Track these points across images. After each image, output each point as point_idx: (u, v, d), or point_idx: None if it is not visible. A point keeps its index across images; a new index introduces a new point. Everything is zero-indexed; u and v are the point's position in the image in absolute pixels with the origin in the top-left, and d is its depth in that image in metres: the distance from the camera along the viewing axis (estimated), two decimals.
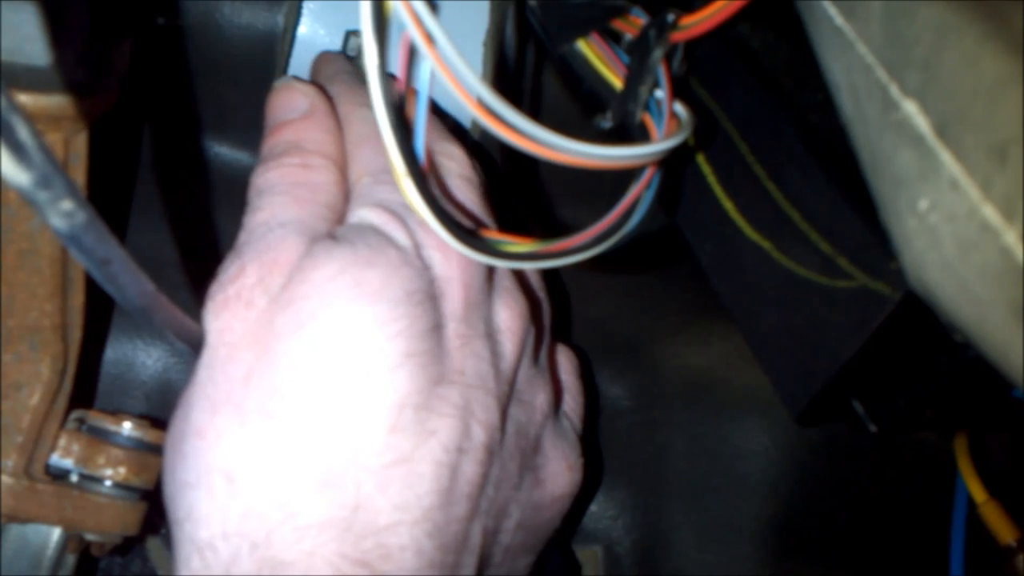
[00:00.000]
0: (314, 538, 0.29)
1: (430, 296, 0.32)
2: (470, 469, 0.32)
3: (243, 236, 0.33)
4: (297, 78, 0.38)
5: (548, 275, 0.43)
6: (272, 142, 0.36)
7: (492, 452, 0.34)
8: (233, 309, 0.31)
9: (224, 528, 0.29)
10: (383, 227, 0.33)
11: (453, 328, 0.33)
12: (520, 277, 0.39)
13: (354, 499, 0.30)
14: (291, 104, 0.36)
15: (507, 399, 0.36)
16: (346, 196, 0.35)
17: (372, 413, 0.30)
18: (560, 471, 0.39)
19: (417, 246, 0.33)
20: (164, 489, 0.32)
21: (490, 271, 0.36)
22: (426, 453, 0.31)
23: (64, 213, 0.21)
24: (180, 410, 0.32)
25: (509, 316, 0.36)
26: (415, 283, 0.32)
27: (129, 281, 0.26)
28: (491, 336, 0.35)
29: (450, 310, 0.33)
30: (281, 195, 0.33)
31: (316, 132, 0.35)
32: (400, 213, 0.34)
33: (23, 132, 0.19)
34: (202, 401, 0.31)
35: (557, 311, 0.43)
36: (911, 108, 0.24)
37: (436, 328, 0.32)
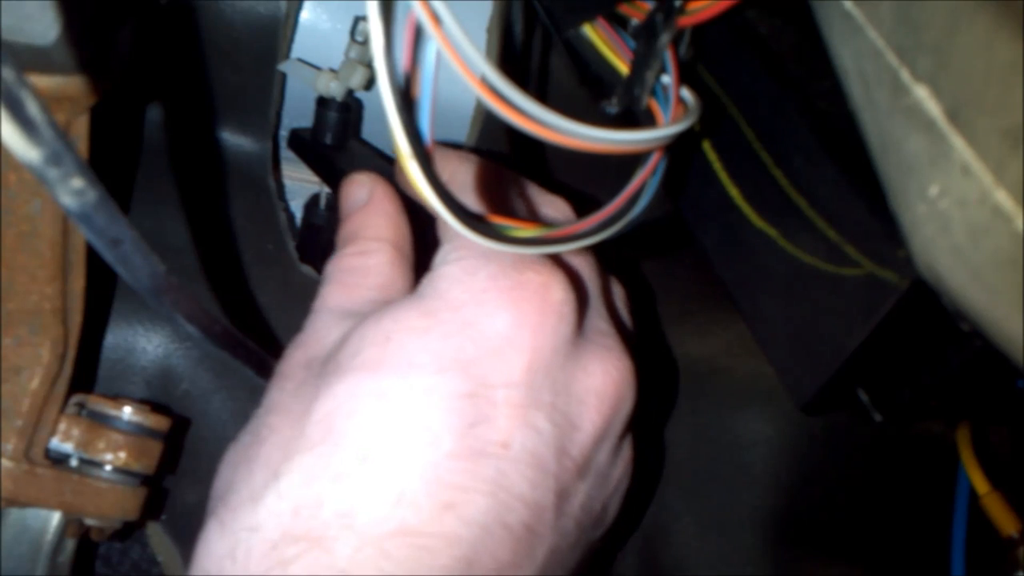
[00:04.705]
0: None
1: (472, 361, 0.31)
2: (500, 548, 0.30)
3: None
4: (362, 173, 0.40)
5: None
6: (339, 235, 0.39)
7: (536, 533, 0.32)
8: (277, 382, 0.34)
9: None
10: (453, 282, 0.33)
11: (504, 395, 0.31)
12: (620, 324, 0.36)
13: (345, 562, 0.29)
14: (353, 197, 0.39)
15: (574, 475, 0.33)
16: (403, 270, 0.36)
17: (377, 486, 0.30)
18: (606, 530, 0.38)
19: (476, 303, 0.32)
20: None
21: (581, 318, 0.34)
22: (437, 527, 0.29)
23: (74, 191, 0.21)
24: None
25: (601, 382, 0.34)
26: (457, 352, 0.31)
27: (140, 262, 0.25)
28: (562, 405, 0.32)
29: (505, 374, 0.31)
30: (333, 283, 0.36)
31: (373, 218, 0.37)
32: (481, 257, 0.33)
33: (32, 108, 0.19)
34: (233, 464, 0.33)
35: None
36: (922, 93, 0.24)
37: (473, 396, 0.31)
